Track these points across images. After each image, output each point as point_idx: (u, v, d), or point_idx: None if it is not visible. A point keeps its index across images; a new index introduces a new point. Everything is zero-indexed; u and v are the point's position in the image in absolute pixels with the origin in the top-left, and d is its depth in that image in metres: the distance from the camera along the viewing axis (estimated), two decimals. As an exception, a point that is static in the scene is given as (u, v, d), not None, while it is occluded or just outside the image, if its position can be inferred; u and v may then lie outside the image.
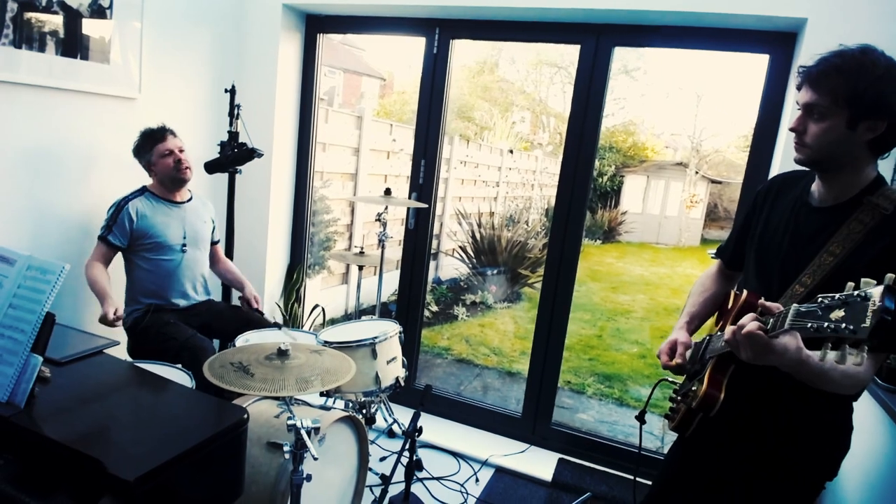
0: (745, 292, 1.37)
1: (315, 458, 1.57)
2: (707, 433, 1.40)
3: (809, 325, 0.97)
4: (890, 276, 0.90)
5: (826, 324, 0.94)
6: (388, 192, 2.72)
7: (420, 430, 2.28)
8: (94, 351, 1.55)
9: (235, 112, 2.68)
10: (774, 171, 2.43)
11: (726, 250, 1.60)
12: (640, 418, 1.66)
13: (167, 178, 2.48)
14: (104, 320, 2.16)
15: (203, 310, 2.61)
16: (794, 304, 1.03)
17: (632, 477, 2.69)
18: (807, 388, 1.19)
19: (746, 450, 1.37)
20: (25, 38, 2.11)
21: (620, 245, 10.64)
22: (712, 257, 1.70)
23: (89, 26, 2.38)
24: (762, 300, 1.14)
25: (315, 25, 3.21)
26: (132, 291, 2.47)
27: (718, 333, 1.39)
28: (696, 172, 11.71)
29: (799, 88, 1.26)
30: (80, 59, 2.36)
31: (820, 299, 0.97)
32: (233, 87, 2.69)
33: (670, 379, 1.57)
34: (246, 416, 1.30)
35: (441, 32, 2.91)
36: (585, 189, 2.78)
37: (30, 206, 2.33)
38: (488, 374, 4.83)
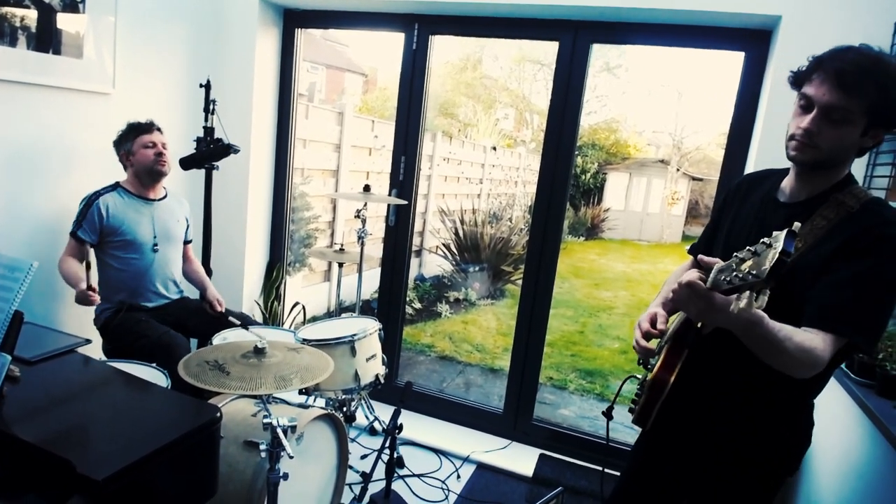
0: None
1: (291, 457, 1.56)
2: (666, 425, 1.41)
3: (723, 278, 0.99)
4: (797, 224, 0.93)
5: (736, 274, 0.96)
6: (367, 188, 2.71)
7: (400, 428, 2.28)
8: (65, 350, 1.52)
9: (211, 107, 2.64)
10: (750, 168, 2.46)
11: (698, 247, 1.62)
12: (608, 414, 1.67)
13: (144, 171, 2.44)
14: (80, 298, 2.11)
15: (176, 308, 2.57)
16: (719, 263, 1.05)
17: (612, 472, 2.71)
18: (763, 379, 1.20)
19: (704, 441, 1.38)
20: (-6, 32, 2.06)
21: (603, 242, 10.73)
22: (688, 252, 1.72)
23: (62, 21, 2.33)
24: (700, 256, 1.15)
25: (293, 20, 3.18)
26: (104, 290, 2.42)
27: (677, 318, 1.41)
28: (678, 170, 11.84)
29: (801, 83, 1.20)
30: (53, 53, 2.31)
31: (734, 254, 0.99)
32: (208, 81, 2.65)
33: (637, 375, 1.58)
34: (219, 414, 1.28)
35: (420, 28, 2.90)
36: (565, 185, 2.79)
37: (0, 203, 2.28)
38: (471, 371, 4.84)
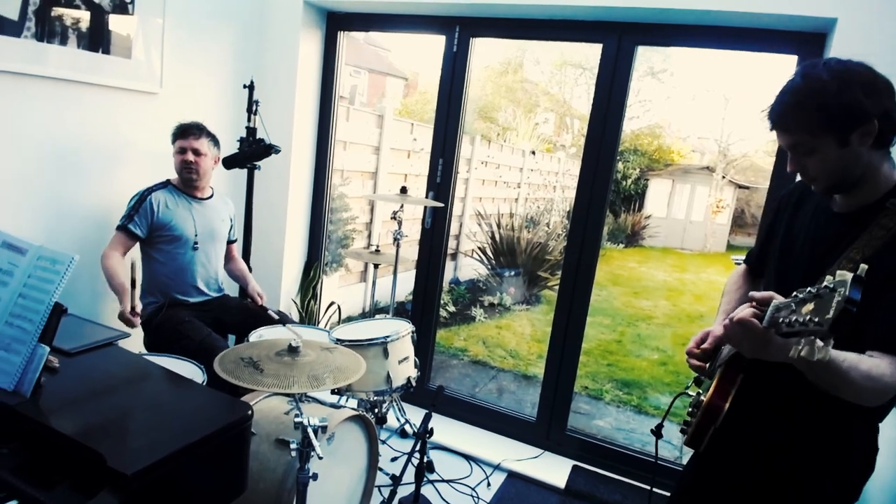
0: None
1: (320, 458, 1.55)
2: (720, 449, 1.34)
3: (781, 319, 0.93)
4: (863, 266, 0.86)
5: (796, 317, 0.90)
6: (403, 190, 2.70)
7: (431, 432, 2.25)
8: (104, 342, 1.55)
9: (254, 108, 2.69)
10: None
11: (752, 256, 1.55)
12: (657, 432, 1.61)
13: (178, 174, 2.51)
14: (122, 317, 2.15)
15: (216, 305, 2.62)
16: (777, 299, 0.98)
17: (647, 487, 2.62)
18: (825, 404, 1.12)
19: (760, 468, 1.30)
20: (48, 32, 2.14)
21: (643, 249, 10.48)
22: (737, 264, 1.65)
23: (111, 21, 2.40)
24: (752, 292, 1.08)
25: (336, 23, 3.21)
26: (148, 284, 2.49)
27: None
28: (723, 177, 11.47)
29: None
30: (103, 53, 2.39)
31: (795, 293, 0.93)
32: (251, 82, 2.70)
33: (690, 392, 1.52)
34: (250, 412, 1.28)
35: (461, 30, 2.88)
36: (605, 191, 2.73)
37: (49, 198, 2.36)
38: (504, 377, 4.78)
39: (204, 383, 1.91)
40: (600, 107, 2.67)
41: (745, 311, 1.04)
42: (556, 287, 5.79)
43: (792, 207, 1.38)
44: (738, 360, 1.26)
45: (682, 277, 8.97)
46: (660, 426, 1.61)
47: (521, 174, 7.79)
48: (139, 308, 2.15)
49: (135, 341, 2.51)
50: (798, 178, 2.33)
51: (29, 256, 1.30)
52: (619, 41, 2.60)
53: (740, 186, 11.82)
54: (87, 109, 2.42)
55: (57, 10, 2.17)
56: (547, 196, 8.52)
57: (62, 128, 2.34)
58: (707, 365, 1.35)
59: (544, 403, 2.94)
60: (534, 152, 8.19)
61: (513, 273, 6.50)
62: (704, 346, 1.34)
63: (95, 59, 2.36)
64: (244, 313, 2.63)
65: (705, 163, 12.16)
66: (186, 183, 2.53)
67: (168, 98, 2.70)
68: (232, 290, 2.86)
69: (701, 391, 1.42)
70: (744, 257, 1.63)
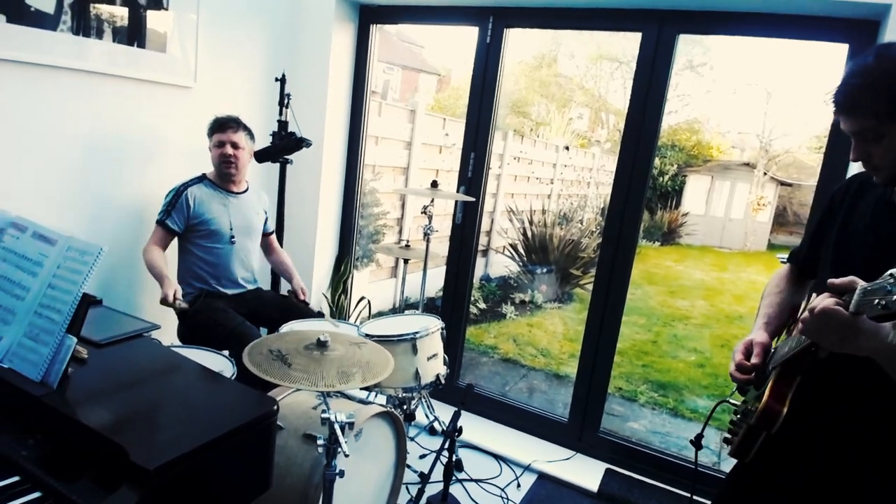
0: (814, 294, 1.22)
1: (346, 455, 1.52)
2: (771, 458, 1.25)
3: (876, 301, 0.85)
4: None
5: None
6: (434, 184, 2.66)
7: (460, 431, 2.21)
8: (133, 334, 1.55)
9: (286, 101, 2.68)
10: (853, 172, 2.21)
11: (799, 255, 1.46)
12: (696, 443, 1.53)
13: (215, 168, 2.51)
14: (165, 301, 2.20)
15: (250, 297, 2.64)
16: (861, 283, 0.90)
17: (684, 493, 2.53)
18: None
19: (820, 480, 1.21)
20: (83, 25, 2.16)
21: (680, 248, 10.21)
22: (782, 262, 1.56)
23: (146, 16, 2.42)
24: (831, 280, 1.00)
25: (368, 16, 3.18)
26: (184, 276, 2.52)
27: (786, 339, 1.25)
28: (765, 173, 11.09)
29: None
30: (138, 47, 2.41)
31: (889, 273, 0.86)
32: (283, 75, 2.69)
33: (731, 400, 1.44)
34: (275, 407, 1.25)
35: (495, 21, 2.81)
36: (642, 187, 2.63)
37: (85, 190, 2.39)
38: (535, 376, 4.71)
39: (234, 376, 1.92)
40: (638, 99, 2.57)
41: (825, 300, 0.96)
42: (589, 285, 5.68)
43: (850, 200, 1.28)
44: (796, 362, 1.17)
45: (721, 277, 8.70)
46: (700, 437, 1.53)
47: (554, 170, 7.67)
48: (180, 293, 2.21)
49: (170, 332, 2.55)
50: (850, 172, 2.21)
51: (58, 247, 1.30)
52: (660, 30, 2.50)
53: (782, 183, 11.41)
54: (124, 103, 2.44)
55: (92, 4, 2.19)
56: (580, 192, 8.37)
57: (98, 121, 2.37)
58: (752, 375, 1.27)
59: (576, 404, 2.87)
60: (567, 147, 8.05)
61: (544, 270, 6.40)
62: (755, 360, 1.26)
63: (131, 53, 2.39)
64: (279, 306, 2.64)
65: (746, 159, 11.78)
66: (224, 177, 2.54)
67: (202, 92, 2.72)
68: (265, 283, 2.87)
69: (747, 400, 1.33)
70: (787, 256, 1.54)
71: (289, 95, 2.70)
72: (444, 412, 2.74)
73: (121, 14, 2.30)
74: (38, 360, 1.19)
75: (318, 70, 3.09)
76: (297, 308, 2.62)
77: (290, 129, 2.68)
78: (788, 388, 1.17)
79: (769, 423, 1.16)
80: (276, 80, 2.70)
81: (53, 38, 2.06)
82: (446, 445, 2.22)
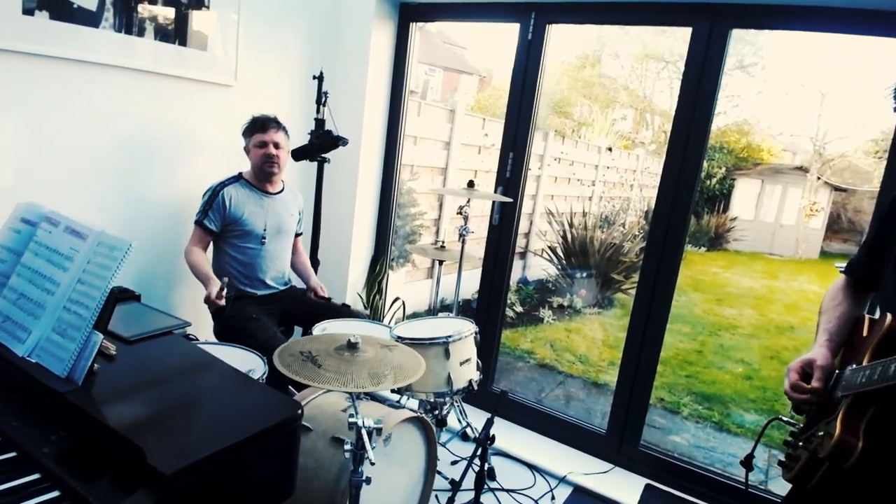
0: (889, 317, 1.10)
1: (372, 463, 1.47)
2: (839, 488, 1.13)
3: None
4: None
5: None
6: (470, 184, 2.59)
7: (492, 439, 2.13)
8: (163, 331, 1.54)
9: (323, 99, 2.66)
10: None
11: (857, 266, 1.33)
12: (747, 464, 1.41)
13: (255, 168, 2.51)
14: (209, 300, 2.22)
15: (282, 298, 2.64)
16: None
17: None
18: None
19: None
20: (125, 23, 2.19)
21: (728, 254, 9.83)
22: (840, 271, 1.43)
23: (187, 15, 2.44)
24: None
25: (408, 14, 3.14)
26: (217, 275, 2.52)
27: (854, 367, 1.13)
28: (818, 178, 10.57)
29: None
30: (179, 45, 2.43)
31: None
32: (321, 73, 2.67)
33: (784, 418, 1.32)
34: (299, 411, 1.21)
35: (537, 17, 2.73)
36: (690, 191, 2.50)
37: (126, 188, 2.42)
38: (572, 383, 4.57)
39: (265, 375, 1.90)
40: (687, 99, 2.45)
41: None
42: (631, 290, 5.50)
43: None
44: (870, 392, 1.06)
45: (771, 285, 8.33)
46: (750, 457, 1.42)
47: (596, 171, 7.49)
48: (224, 291, 2.21)
49: (206, 329, 2.57)
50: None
51: (89, 242, 1.29)
52: (711, 24, 2.37)
53: (837, 188, 10.86)
54: (165, 101, 2.47)
55: (134, 2, 2.22)
56: (623, 195, 8.15)
57: (139, 118, 2.40)
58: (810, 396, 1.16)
59: (616, 415, 2.75)
60: (610, 149, 7.85)
61: (584, 274, 6.24)
62: (815, 384, 1.15)
63: (173, 51, 2.41)
64: (310, 305, 2.64)
65: (798, 162, 11.27)
66: (265, 177, 2.54)
67: (242, 90, 2.73)
68: (298, 282, 2.86)
69: (806, 423, 1.22)
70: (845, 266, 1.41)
71: (326, 94, 2.68)
72: (478, 418, 2.67)
73: (162, 12, 2.32)
74: (65, 356, 1.18)
75: (356, 68, 3.07)
76: (330, 305, 2.60)
77: (326, 128, 2.66)
78: (861, 420, 1.06)
79: (843, 458, 1.05)
80: (314, 78, 2.69)
81: (96, 35, 2.09)
82: (478, 453, 2.15)
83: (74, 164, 2.22)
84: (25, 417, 1.13)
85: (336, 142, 2.57)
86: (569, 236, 6.43)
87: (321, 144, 2.61)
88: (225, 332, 2.46)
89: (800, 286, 8.35)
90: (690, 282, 7.63)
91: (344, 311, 2.57)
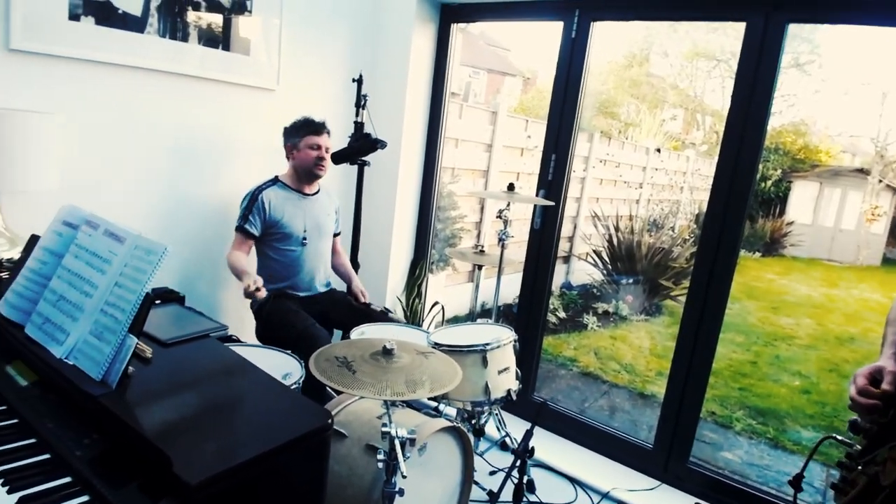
0: None
1: (404, 476, 1.43)
2: None
3: None
4: None
5: None
6: (511, 187, 2.53)
7: (532, 451, 2.06)
8: (200, 334, 1.53)
9: (362, 102, 2.65)
10: None
11: None
12: (795, 484, 1.31)
13: (303, 170, 2.52)
14: (246, 292, 2.22)
15: (323, 299, 2.64)
16: None
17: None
18: None
19: None
20: (170, 28, 2.23)
21: (784, 259, 9.38)
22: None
23: (231, 20, 2.47)
24: None
25: (449, 15, 3.11)
26: (259, 275, 2.54)
27: None
28: (880, 181, 9.99)
29: None
30: (223, 50, 2.46)
31: None
32: (360, 76, 2.66)
33: (839, 437, 1.21)
34: (329, 421, 1.18)
35: (581, 14, 2.64)
36: (745, 194, 2.37)
37: (171, 191, 2.47)
38: (617, 394, 4.43)
39: (302, 378, 1.89)
40: (741, 98, 2.32)
41: None
42: (681, 297, 5.29)
43: None
44: None
45: (831, 293, 7.90)
46: (799, 477, 1.31)
47: (643, 173, 7.28)
48: (260, 282, 2.21)
49: (248, 331, 2.59)
50: None
51: (127, 245, 1.30)
52: (767, 18, 2.24)
53: (900, 192, 10.23)
54: (209, 105, 2.51)
55: (178, 8, 2.26)
56: (672, 197, 7.89)
57: (183, 122, 2.44)
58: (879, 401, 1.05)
59: (664, 428, 2.63)
60: (659, 150, 7.61)
61: (631, 280, 6.06)
62: (886, 387, 1.04)
63: (217, 56, 2.44)
64: (350, 308, 2.63)
65: (858, 164, 10.69)
66: (311, 178, 2.56)
67: (283, 94, 2.75)
68: (339, 284, 2.86)
69: (863, 444, 1.11)
70: None
71: (365, 96, 2.67)
72: (517, 427, 2.60)
73: (206, 18, 2.36)
74: (100, 359, 1.18)
75: (396, 71, 3.06)
76: (369, 310, 2.59)
77: (365, 131, 2.65)
78: None
79: None
80: (353, 80, 2.68)
81: (141, 40, 2.14)
82: (517, 465, 2.08)
83: (120, 168, 2.27)
84: (61, 419, 1.14)
85: (375, 145, 2.55)
86: (615, 240, 6.26)
87: (360, 148, 2.60)
88: (265, 329, 2.49)
89: (861, 294, 7.89)
90: (744, 289, 7.31)
91: (383, 316, 2.55)
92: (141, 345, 1.34)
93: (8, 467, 1.00)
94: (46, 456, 1.05)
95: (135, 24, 2.10)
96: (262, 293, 2.20)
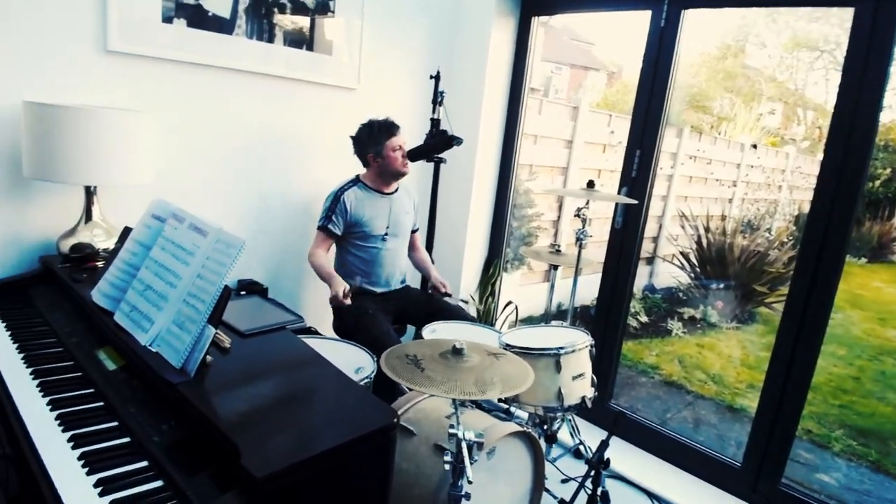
0: None
1: (469, 482, 1.39)
2: None
3: None
4: None
5: None
6: (590, 184, 2.42)
7: (607, 462, 1.97)
8: (276, 326, 1.58)
9: (439, 98, 2.64)
10: None
11: None
12: None
13: (389, 172, 2.54)
14: (335, 299, 2.29)
15: (399, 296, 2.66)
16: None
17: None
18: None
19: None
20: (257, 30, 2.31)
21: (894, 266, 8.51)
22: None
23: (315, 21, 2.53)
24: None
25: (530, 8, 3.03)
26: (340, 273, 2.59)
27: None
28: None
29: None
30: (307, 50, 2.52)
31: None
32: (437, 73, 2.65)
33: None
34: (395, 420, 1.17)
35: (671, 1, 2.49)
36: (853, 195, 2.14)
37: (256, 187, 2.57)
38: (703, 406, 4.17)
39: (373, 374, 1.90)
40: (849, 91, 2.09)
41: None
42: (777, 304, 4.91)
43: None
44: None
45: (951, 305, 7.07)
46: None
47: (737, 171, 6.82)
48: (348, 289, 2.28)
49: (326, 324, 2.66)
50: None
51: (209, 239, 1.35)
52: (877, 3, 2.00)
53: None
54: (293, 104, 2.58)
55: (264, 10, 2.33)
56: (769, 197, 7.34)
57: (269, 121, 2.53)
58: None
59: (754, 445, 2.43)
60: (755, 146, 7.10)
61: (721, 285, 5.70)
62: None
63: (302, 57, 2.51)
64: (425, 305, 2.65)
65: (980, 163, 9.50)
66: (398, 178, 2.59)
67: (364, 93, 2.79)
68: (413, 281, 2.87)
69: None
70: None
71: (442, 93, 2.66)
72: (592, 435, 2.50)
73: (292, 19, 2.43)
74: (181, 348, 1.23)
75: (475, 66, 3.02)
76: (442, 307, 2.59)
77: (441, 127, 2.64)
78: None
79: None
80: (431, 77, 2.67)
81: (229, 41, 2.23)
82: (591, 475, 2.00)
83: (207, 164, 2.38)
84: (142, 404, 1.19)
85: (450, 142, 2.52)
86: (704, 242, 5.91)
87: (436, 145, 2.58)
88: (343, 326, 2.53)
89: None
90: (848, 297, 6.68)
91: (457, 312, 2.54)
92: (220, 335, 1.39)
93: (89, 449, 1.06)
94: (127, 439, 1.10)
95: (224, 26, 2.19)
96: (348, 302, 2.27)
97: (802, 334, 2.28)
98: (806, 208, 2.27)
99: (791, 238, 5.97)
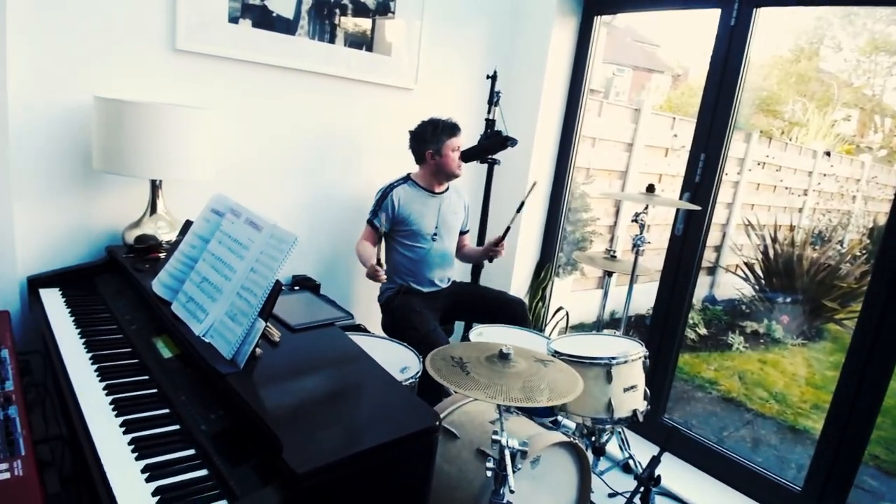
0: None
1: (511, 491, 1.36)
2: None
3: None
4: None
5: None
6: (650, 188, 2.33)
7: (658, 479, 1.89)
8: (325, 322, 1.60)
9: (495, 99, 2.61)
10: None
11: None
12: None
13: (444, 172, 2.54)
14: (370, 274, 2.31)
15: (446, 295, 2.68)
16: None
17: None
18: None
19: None
20: (319, 30, 2.35)
21: None
22: None
23: (375, 22, 2.55)
24: None
25: (592, 6, 2.96)
26: (388, 272, 2.61)
27: None
28: None
29: None
30: (367, 51, 2.55)
31: None
32: (494, 73, 2.62)
33: None
34: (437, 423, 1.15)
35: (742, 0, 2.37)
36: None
37: (313, 185, 2.62)
38: (763, 425, 3.96)
39: (418, 373, 1.90)
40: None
41: None
42: (848, 321, 4.61)
43: None
44: None
45: None
46: None
47: (809, 179, 6.46)
48: (382, 258, 2.31)
49: (374, 321, 2.68)
50: None
51: (264, 234, 1.38)
52: None
53: None
54: (353, 104, 2.62)
55: (326, 11, 2.37)
56: (843, 207, 6.91)
57: (329, 120, 2.58)
58: None
59: (817, 469, 2.28)
60: (829, 153, 6.70)
61: (788, 298, 5.40)
62: None
63: (363, 57, 2.54)
64: (476, 300, 2.68)
65: None
66: (451, 178, 2.59)
67: (420, 94, 2.80)
68: (459, 276, 2.86)
69: None
70: None
71: (499, 93, 2.63)
72: (643, 449, 2.41)
73: (354, 20, 2.46)
74: (232, 339, 1.26)
75: (533, 66, 2.98)
76: (492, 304, 2.61)
77: (496, 128, 2.61)
78: None
79: None
80: (488, 76, 2.65)
81: (292, 41, 2.28)
82: (639, 491, 1.92)
83: (267, 161, 2.45)
84: (193, 393, 1.23)
85: (504, 142, 2.49)
86: (771, 252, 5.63)
87: (490, 145, 2.56)
88: (391, 324, 2.55)
89: None
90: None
91: (513, 306, 2.57)
92: (271, 328, 1.42)
93: (140, 434, 1.10)
94: (176, 427, 1.13)
95: (288, 26, 2.24)
96: (383, 276, 2.28)
97: (875, 354, 2.12)
98: (882, 220, 2.11)
99: (865, 252, 5.59)
